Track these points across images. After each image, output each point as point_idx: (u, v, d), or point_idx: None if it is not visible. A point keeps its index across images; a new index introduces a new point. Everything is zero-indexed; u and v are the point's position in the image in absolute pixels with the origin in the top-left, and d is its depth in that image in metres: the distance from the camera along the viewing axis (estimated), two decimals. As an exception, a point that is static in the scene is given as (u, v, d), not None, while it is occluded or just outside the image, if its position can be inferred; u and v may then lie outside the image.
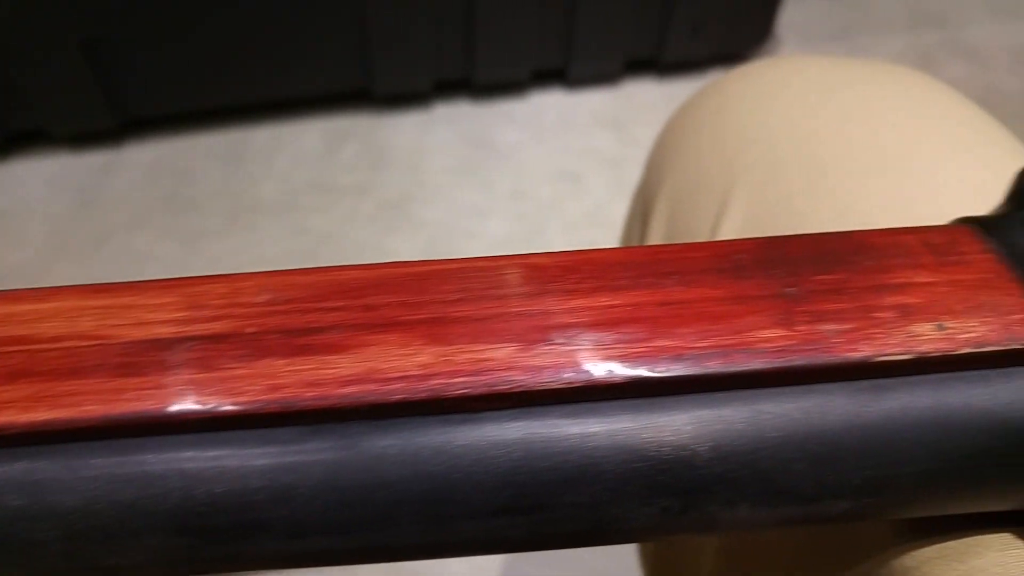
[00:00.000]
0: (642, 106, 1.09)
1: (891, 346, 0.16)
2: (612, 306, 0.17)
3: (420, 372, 0.16)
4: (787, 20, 1.19)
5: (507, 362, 0.16)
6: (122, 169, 1.00)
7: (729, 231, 0.27)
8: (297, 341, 0.17)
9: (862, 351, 0.16)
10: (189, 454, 0.16)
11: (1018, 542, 0.18)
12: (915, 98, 0.29)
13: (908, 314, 0.17)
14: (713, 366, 0.16)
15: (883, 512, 0.18)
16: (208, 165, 1.01)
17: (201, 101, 1.04)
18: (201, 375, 0.16)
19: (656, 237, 0.31)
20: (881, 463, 0.16)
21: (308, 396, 0.16)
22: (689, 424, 0.16)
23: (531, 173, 1.01)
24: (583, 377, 0.16)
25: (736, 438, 0.16)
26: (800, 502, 0.17)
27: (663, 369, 0.16)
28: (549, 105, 1.09)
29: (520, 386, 0.16)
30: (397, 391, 0.16)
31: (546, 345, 0.17)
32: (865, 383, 0.17)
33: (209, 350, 0.17)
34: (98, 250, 0.93)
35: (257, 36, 0.97)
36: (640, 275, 0.18)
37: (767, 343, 0.16)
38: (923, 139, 0.27)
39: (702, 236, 0.28)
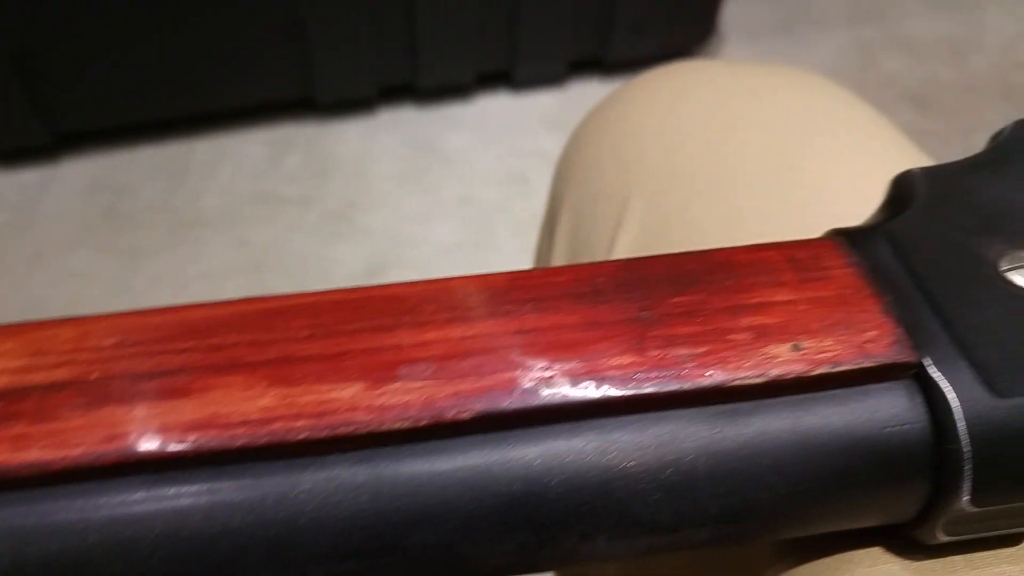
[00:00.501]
0: (588, 106, 1.09)
1: (745, 369, 0.16)
2: (464, 338, 0.17)
3: (262, 416, 0.16)
4: (730, 16, 1.20)
5: (352, 402, 0.16)
6: (58, 186, 0.98)
7: (625, 243, 0.27)
8: (142, 386, 0.16)
9: (715, 375, 0.16)
10: (21, 510, 0.15)
11: (887, 556, 0.18)
12: (812, 104, 0.29)
13: (764, 335, 0.17)
14: (561, 396, 0.16)
15: (748, 537, 0.17)
16: (148, 179, 0.99)
17: (139, 114, 1.02)
18: (34, 427, 0.16)
19: (560, 251, 0.31)
20: (739, 489, 0.16)
21: (146, 445, 0.15)
22: (539, 458, 0.16)
23: (478, 177, 1.00)
24: (429, 415, 0.16)
25: (588, 469, 0.16)
26: (659, 532, 0.16)
27: (510, 402, 0.16)
28: (495, 108, 1.08)
29: (365, 427, 0.15)
30: (239, 436, 0.16)
31: (394, 383, 0.16)
32: (720, 408, 0.16)
33: (47, 400, 0.16)
34: (34, 270, 0.91)
35: (195, 46, 0.96)
36: (498, 303, 0.17)
37: (618, 370, 0.16)
38: (817, 145, 0.27)
39: (601, 249, 0.28)
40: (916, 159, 0.22)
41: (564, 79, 1.10)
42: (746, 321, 0.17)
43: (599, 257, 0.28)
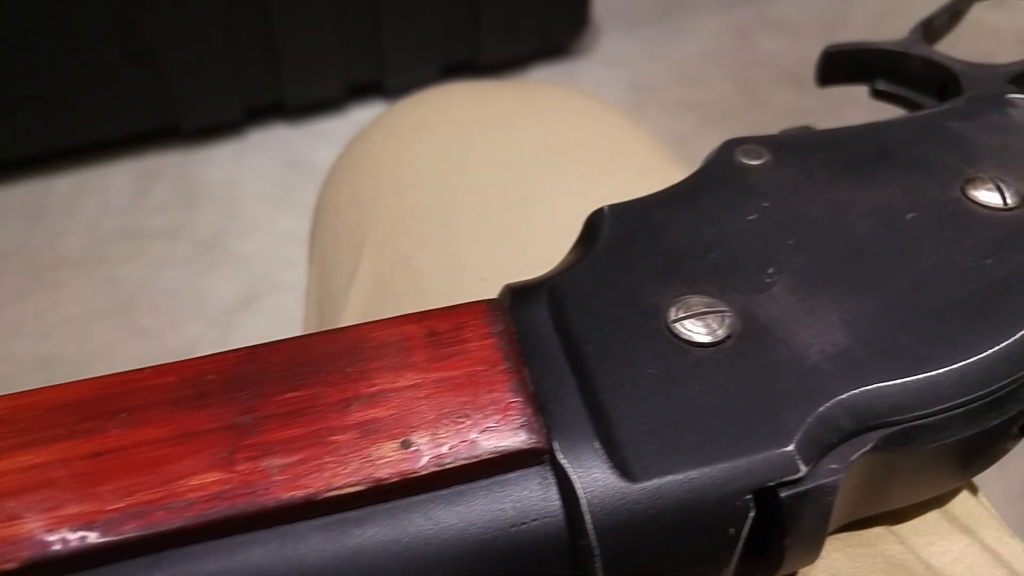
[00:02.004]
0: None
1: (343, 477, 0.14)
2: (35, 465, 0.15)
3: None
4: (605, 7, 1.19)
5: None
6: (-97, 239, 0.93)
7: (358, 296, 0.25)
8: None
9: (307, 487, 0.14)
10: None
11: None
12: (558, 128, 0.28)
13: (372, 432, 0.15)
14: (130, 530, 0.14)
15: None
16: (2, 222, 0.94)
17: (-10, 155, 0.96)
18: None
19: (311, 302, 0.29)
20: None
21: None
22: None
23: (355, 192, 0.98)
24: None
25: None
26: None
27: (73, 540, 0.14)
28: (369, 119, 1.05)
29: None
30: None
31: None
32: (325, 520, 0.14)
33: None
34: None
35: (47, 80, 0.91)
36: (84, 417, 0.15)
37: (198, 492, 0.14)
38: (554, 175, 0.26)
39: (338, 302, 0.26)
40: (662, 180, 0.20)
41: (439, 84, 1.07)
42: (357, 416, 0.15)
43: (338, 311, 0.26)
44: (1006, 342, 0.16)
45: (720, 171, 0.20)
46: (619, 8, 1.20)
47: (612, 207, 0.19)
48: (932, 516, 0.19)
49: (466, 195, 0.25)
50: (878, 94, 0.28)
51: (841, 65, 0.28)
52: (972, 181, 0.20)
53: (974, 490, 0.21)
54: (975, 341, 0.16)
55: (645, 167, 0.27)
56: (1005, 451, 0.18)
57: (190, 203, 0.96)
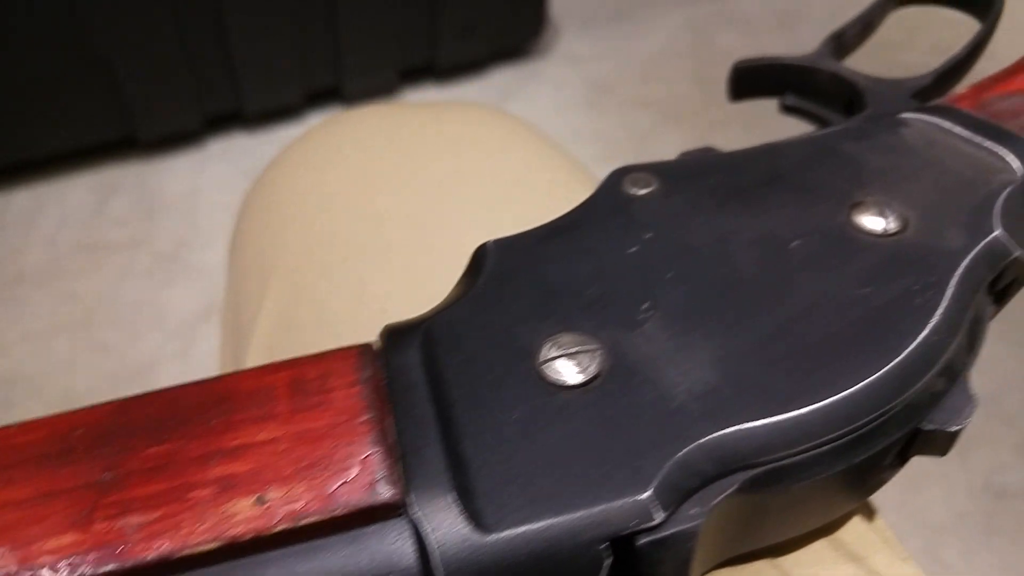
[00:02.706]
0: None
1: (199, 534, 0.14)
2: None
3: None
4: (563, 6, 1.19)
5: None
6: None
7: (264, 328, 0.25)
8: None
9: (164, 545, 0.14)
10: None
11: None
12: (465, 154, 0.28)
13: (229, 488, 0.15)
14: None
15: None
16: (-40, 240, 0.93)
17: (-54, 171, 0.96)
18: None
19: (226, 333, 0.29)
20: None
21: None
22: None
23: (316, 200, 0.98)
24: None
25: None
26: None
27: None
28: (329, 125, 1.05)
29: None
30: None
31: None
32: (192, 573, 0.14)
33: None
34: None
35: (1, 93, 0.90)
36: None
37: (54, 554, 0.14)
38: (459, 202, 0.26)
39: (246, 335, 0.26)
40: (572, 206, 0.20)
41: (397, 88, 1.07)
42: (216, 472, 0.15)
43: (246, 345, 0.26)
44: (875, 375, 0.16)
45: (605, 202, 0.20)
46: (577, 7, 1.21)
47: (497, 242, 0.19)
48: (818, 545, 0.19)
49: (371, 224, 0.25)
50: (788, 109, 0.28)
51: (751, 80, 0.28)
52: (859, 206, 0.19)
53: (871, 513, 0.20)
54: (844, 376, 0.16)
55: (556, 193, 0.27)
56: (884, 481, 0.18)
57: (150, 215, 0.96)
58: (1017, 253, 0.19)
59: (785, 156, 0.21)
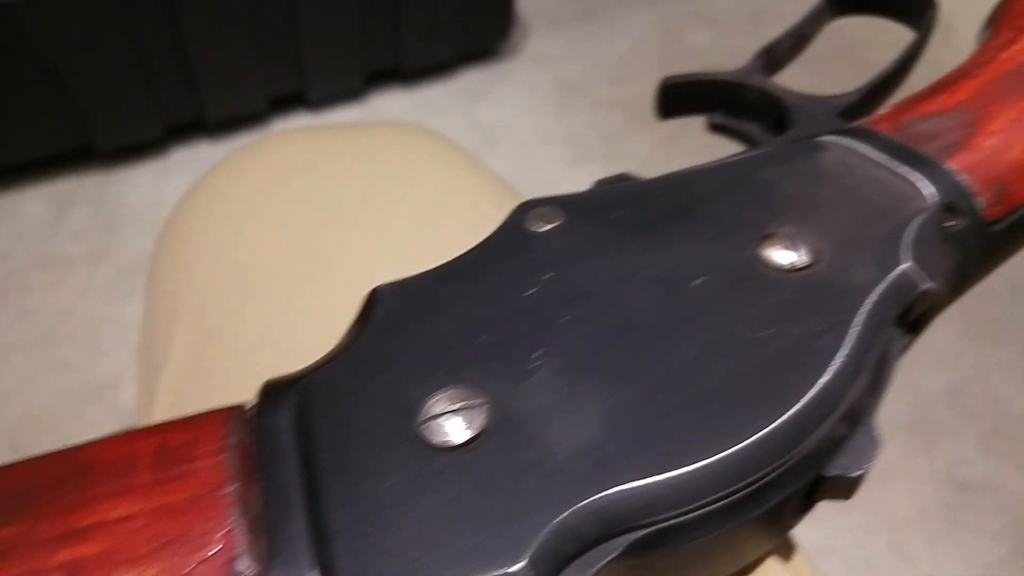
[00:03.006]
0: (394, 118, 1.06)
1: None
2: None
3: None
4: (531, 6, 1.18)
5: None
6: None
7: (172, 371, 0.24)
8: None
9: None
10: None
11: None
12: (380, 180, 0.27)
13: (78, 573, 0.14)
14: None
15: None
16: (-86, 257, 0.91)
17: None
18: None
19: (142, 373, 0.28)
20: None
21: None
22: None
23: (281, 208, 0.96)
24: None
25: None
26: None
27: None
28: (294, 132, 1.03)
29: None
30: None
31: None
32: None
33: None
34: None
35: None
36: None
37: None
38: (370, 233, 0.25)
39: (155, 378, 0.25)
40: (485, 230, 0.19)
41: (364, 92, 1.06)
42: (63, 555, 0.14)
43: (154, 389, 0.25)
44: (770, 426, 0.15)
45: (507, 239, 0.19)
46: (546, 7, 1.19)
47: (389, 286, 0.18)
48: None
49: (278, 259, 0.24)
50: (715, 128, 0.27)
51: (680, 97, 0.27)
52: (769, 238, 0.18)
53: (789, 549, 0.20)
54: (737, 427, 0.15)
55: (475, 220, 0.26)
56: (787, 528, 0.17)
57: (110, 227, 0.94)
58: (925, 286, 0.17)
59: (698, 184, 0.20)
